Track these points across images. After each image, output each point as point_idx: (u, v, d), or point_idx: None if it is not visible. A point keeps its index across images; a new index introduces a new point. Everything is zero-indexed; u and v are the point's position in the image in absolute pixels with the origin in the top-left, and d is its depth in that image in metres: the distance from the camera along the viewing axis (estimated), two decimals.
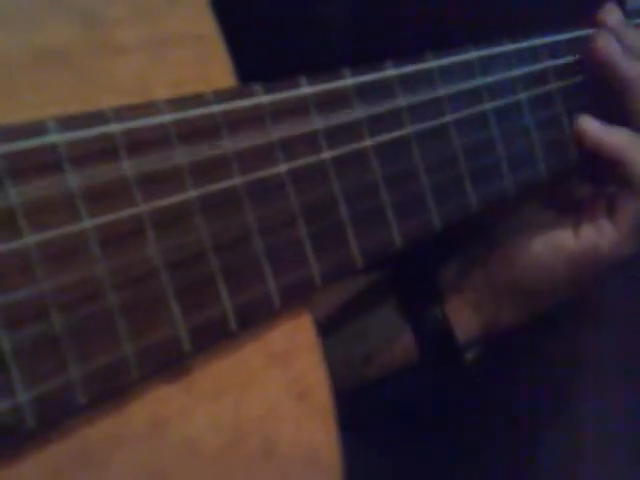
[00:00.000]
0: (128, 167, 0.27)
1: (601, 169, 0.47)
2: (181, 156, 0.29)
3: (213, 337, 0.28)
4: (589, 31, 0.51)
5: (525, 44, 0.48)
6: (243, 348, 0.30)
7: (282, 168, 0.33)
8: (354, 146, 0.36)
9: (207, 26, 0.33)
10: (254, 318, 0.30)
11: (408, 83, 0.39)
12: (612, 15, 0.50)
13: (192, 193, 0.29)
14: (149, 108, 0.29)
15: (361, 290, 0.50)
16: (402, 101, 0.39)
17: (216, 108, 0.31)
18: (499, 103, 0.45)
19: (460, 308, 0.48)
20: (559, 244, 0.47)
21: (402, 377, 0.49)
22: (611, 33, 0.48)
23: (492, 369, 0.53)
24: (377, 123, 0.37)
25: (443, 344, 0.48)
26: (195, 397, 0.29)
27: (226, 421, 0.29)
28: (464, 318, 0.48)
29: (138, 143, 0.28)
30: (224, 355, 0.30)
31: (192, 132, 0.30)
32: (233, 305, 0.29)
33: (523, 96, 0.46)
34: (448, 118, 0.41)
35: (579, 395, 0.59)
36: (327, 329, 0.49)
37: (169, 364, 0.27)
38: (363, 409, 0.50)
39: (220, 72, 0.33)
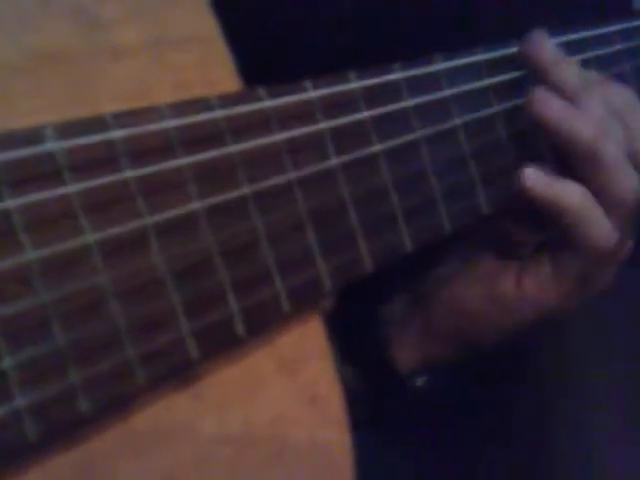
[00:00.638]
0: (130, 175, 0.27)
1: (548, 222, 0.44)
2: (185, 163, 0.29)
3: (221, 343, 0.28)
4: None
5: (498, 53, 0.46)
6: (252, 354, 0.30)
7: (290, 174, 0.32)
8: (363, 151, 0.36)
9: (208, 27, 0.33)
10: (263, 323, 0.29)
11: (415, 85, 0.39)
12: (543, 49, 0.44)
13: (197, 201, 0.29)
14: (151, 113, 0.28)
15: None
16: (409, 103, 0.38)
17: (220, 113, 0.30)
18: (506, 106, 0.44)
19: (401, 345, 0.46)
20: (500, 294, 0.45)
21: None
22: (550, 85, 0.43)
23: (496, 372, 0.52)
24: (385, 126, 0.37)
25: (384, 374, 0.46)
26: (204, 404, 0.28)
27: (236, 427, 0.28)
28: (405, 354, 0.46)
29: (140, 150, 0.27)
30: (233, 361, 0.29)
31: (196, 138, 0.30)
32: (240, 309, 0.28)
33: (497, 108, 0.45)
34: (457, 121, 0.40)
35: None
36: None
37: (176, 371, 0.27)
38: (384, 409, 0.49)
39: (224, 75, 0.33)
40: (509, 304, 0.45)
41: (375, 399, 0.47)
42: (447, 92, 0.41)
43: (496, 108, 0.43)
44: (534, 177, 0.42)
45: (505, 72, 0.45)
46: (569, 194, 0.42)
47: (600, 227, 0.42)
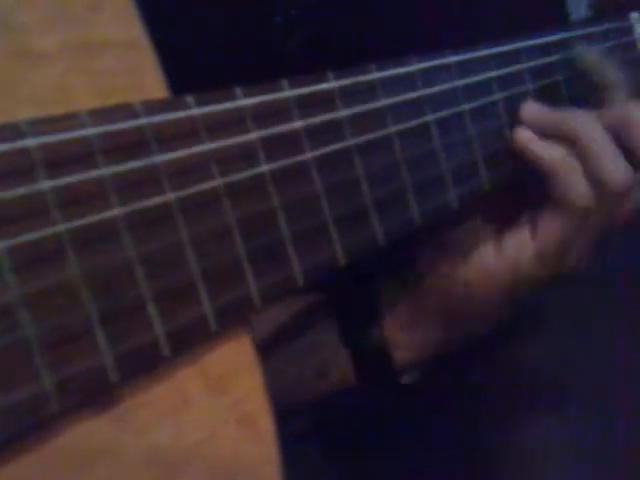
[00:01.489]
0: (47, 186, 0.25)
1: (531, 183, 0.46)
2: (106, 172, 0.27)
3: (144, 365, 0.26)
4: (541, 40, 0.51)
5: (470, 55, 0.47)
6: (178, 373, 0.28)
7: (218, 182, 0.31)
8: (294, 159, 0.35)
9: (134, 32, 0.31)
10: (189, 343, 0.28)
11: (349, 94, 0.38)
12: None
13: (117, 211, 0.27)
14: (70, 120, 0.27)
15: (306, 307, 0.49)
16: (343, 112, 0.38)
17: (145, 120, 0.29)
18: (442, 114, 0.44)
19: (395, 329, 0.47)
20: (481, 262, 0.46)
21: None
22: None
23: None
24: (317, 135, 0.36)
25: (381, 366, 0.47)
26: (126, 428, 0.27)
27: (163, 450, 0.27)
28: (399, 339, 0.47)
29: (58, 159, 0.26)
30: (158, 381, 0.28)
31: (119, 146, 0.28)
32: (166, 331, 0.27)
33: (466, 107, 0.46)
34: (390, 129, 0.40)
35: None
36: (278, 344, 0.48)
37: (94, 395, 0.25)
38: (325, 419, 0.48)
39: (150, 81, 0.32)
40: (491, 271, 0.45)
41: (363, 385, 0.47)
42: (381, 100, 0.40)
43: (429, 117, 0.43)
44: (526, 132, 0.46)
45: (439, 83, 0.45)
46: (553, 150, 0.45)
47: (579, 187, 0.44)
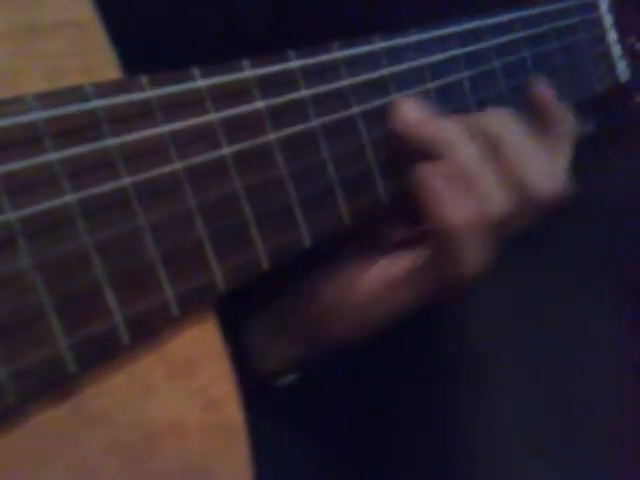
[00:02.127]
0: None
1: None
2: (56, 157, 0.26)
3: (103, 354, 0.26)
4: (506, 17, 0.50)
5: (432, 34, 0.47)
6: (141, 360, 0.28)
7: (176, 166, 0.30)
8: (256, 141, 0.34)
9: (85, 12, 0.30)
10: (150, 329, 0.27)
11: (312, 74, 0.37)
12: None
13: (70, 197, 0.26)
14: (16, 104, 0.26)
15: None
16: (305, 92, 0.37)
17: (97, 103, 0.28)
18: (407, 93, 0.43)
19: (263, 345, 0.43)
20: (355, 297, 0.41)
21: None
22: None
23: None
24: (280, 116, 0.35)
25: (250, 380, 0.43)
26: (87, 417, 0.26)
27: (125, 439, 0.26)
28: (269, 354, 0.43)
29: (2, 145, 0.25)
30: (119, 369, 0.27)
31: (69, 130, 0.27)
32: (125, 318, 0.26)
33: (431, 86, 0.45)
34: (355, 110, 0.39)
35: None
36: None
37: (52, 386, 0.24)
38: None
39: (102, 62, 0.31)
40: (355, 302, 0.41)
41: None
42: (345, 82, 0.40)
43: (394, 96, 0.42)
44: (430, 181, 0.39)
45: (404, 61, 0.44)
46: (456, 210, 0.38)
47: (472, 257, 0.39)
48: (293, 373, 0.45)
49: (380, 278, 0.41)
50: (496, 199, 0.39)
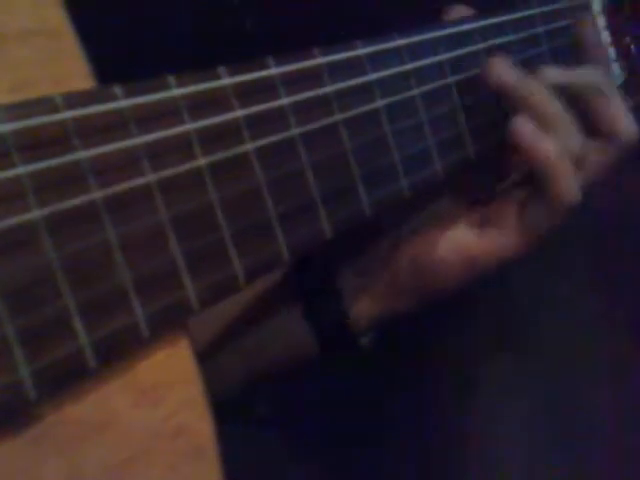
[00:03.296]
0: None
1: (517, 170, 0.48)
2: (23, 171, 0.25)
3: (66, 380, 0.24)
4: (496, 19, 0.50)
5: (419, 37, 0.46)
6: (106, 385, 0.27)
7: (149, 178, 0.29)
8: (233, 150, 0.33)
9: (56, 20, 0.29)
10: (118, 353, 0.26)
11: (291, 81, 0.36)
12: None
13: (37, 213, 0.25)
14: None
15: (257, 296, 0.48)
16: (285, 100, 0.36)
17: (67, 114, 0.27)
18: (392, 100, 0.42)
19: (358, 301, 0.48)
20: (462, 246, 0.47)
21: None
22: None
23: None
24: (259, 125, 0.34)
25: (338, 331, 0.48)
26: (46, 449, 0.25)
27: (87, 471, 0.25)
28: (361, 309, 0.48)
29: None
30: (83, 395, 0.26)
31: (37, 143, 0.26)
32: (91, 340, 0.25)
33: (416, 92, 0.44)
34: (337, 117, 0.38)
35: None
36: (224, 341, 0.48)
37: (11, 415, 0.23)
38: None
39: (74, 71, 0.30)
40: (468, 256, 0.46)
41: (322, 352, 0.48)
42: (328, 88, 0.39)
43: (379, 103, 0.41)
44: (524, 123, 0.45)
45: (390, 67, 0.43)
46: (551, 143, 0.45)
47: (569, 182, 0.44)
48: (370, 333, 0.49)
49: (492, 225, 0.46)
50: (577, 139, 0.45)
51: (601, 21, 0.60)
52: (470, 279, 0.47)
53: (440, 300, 0.48)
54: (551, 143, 0.45)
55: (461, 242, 0.47)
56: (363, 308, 0.48)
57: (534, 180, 0.46)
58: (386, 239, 0.49)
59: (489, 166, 0.49)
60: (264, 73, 0.35)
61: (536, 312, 0.63)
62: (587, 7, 0.59)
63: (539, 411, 0.60)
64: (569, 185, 0.45)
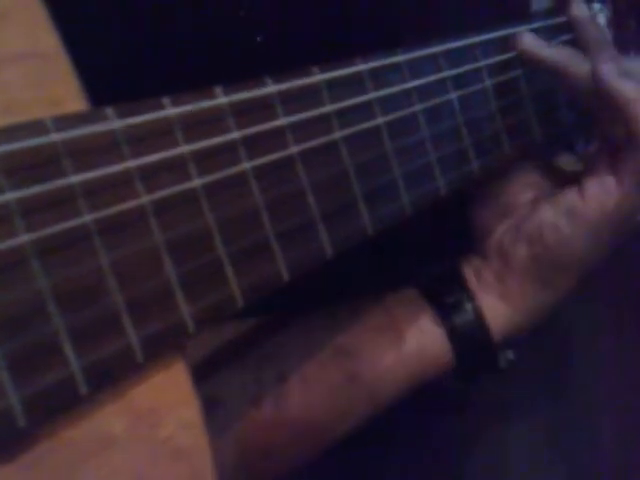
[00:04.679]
0: None
1: (604, 123, 0.47)
2: (11, 197, 0.25)
3: (57, 406, 0.24)
4: (497, 33, 0.49)
5: (422, 53, 0.45)
6: (102, 410, 0.26)
7: (143, 200, 0.29)
8: (229, 171, 0.33)
9: (48, 43, 0.29)
10: (111, 378, 0.26)
11: (290, 99, 0.36)
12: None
13: (25, 237, 0.25)
14: None
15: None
16: (283, 120, 0.35)
17: (57, 136, 0.27)
18: (393, 116, 0.42)
19: (488, 300, 0.46)
20: (569, 208, 0.46)
21: None
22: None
23: None
24: (256, 144, 0.34)
25: (479, 341, 0.46)
26: (42, 475, 0.24)
27: None
28: (494, 311, 0.46)
29: None
30: (78, 420, 0.25)
31: (26, 166, 0.26)
32: (82, 366, 0.25)
33: (418, 108, 0.44)
34: (336, 135, 0.38)
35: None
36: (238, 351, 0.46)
37: (3, 441, 0.23)
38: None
39: (66, 93, 0.29)
40: (579, 217, 0.45)
41: (462, 370, 0.46)
42: (327, 107, 0.38)
43: (380, 120, 0.41)
44: (607, 66, 0.46)
45: (391, 83, 0.43)
46: (629, 83, 0.45)
47: None
48: (510, 351, 0.47)
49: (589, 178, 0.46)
50: None
51: (607, 35, 0.59)
52: (591, 249, 0.46)
53: (577, 284, 0.46)
54: (631, 83, 0.45)
55: (566, 205, 0.46)
56: (494, 310, 0.46)
57: (623, 125, 0.45)
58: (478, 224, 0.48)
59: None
60: (262, 91, 0.35)
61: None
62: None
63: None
64: None
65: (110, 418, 0.26)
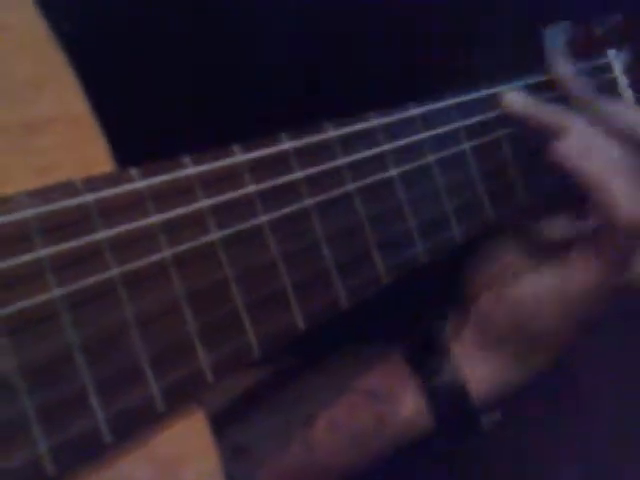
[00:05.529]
0: None
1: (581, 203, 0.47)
2: (44, 253, 0.27)
3: (83, 456, 0.25)
4: (503, 87, 0.50)
5: (434, 106, 0.47)
6: (125, 458, 0.27)
7: (165, 254, 0.31)
8: (247, 224, 0.34)
9: (78, 107, 0.31)
10: (133, 428, 0.27)
11: (304, 155, 0.38)
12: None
13: (56, 292, 0.26)
14: (7, 203, 0.26)
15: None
16: (299, 174, 0.37)
17: (87, 197, 0.29)
18: (406, 168, 0.43)
19: (465, 358, 0.46)
20: (552, 284, 0.45)
21: None
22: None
23: None
24: (271, 198, 0.36)
25: (457, 404, 0.46)
26: None
27: None
28: (471, 369, 0.46)
29: None
30: (102, 468, 0.26)
31: (59, 225, 0.28)
32: (107, 417, 0.26)
33: (432, 158, 0.45)
34: (350, 187, 0.40)
35: None
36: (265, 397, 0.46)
37: None
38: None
39: (96, 155, 0.31)
40: (558, 290, 0.45)
41: (444, 433, 0.46)
42: (340, 161, 0.40)
43: (392, 172, 0.42)
44: (568, 144, 0.45)
45: (403, 136, 0.44)
46: (597, 158, 0.44)
47: (622, 195, 0.43)
48: (493, 412, 0.46)
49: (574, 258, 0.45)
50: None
51: (623, 81, 0.60)
52: (568, 326, 0.45)
53: (555, 358, 0.46)
54: (601, 156, 0.44)
55: (550, 277, 0.45)
56: (473, 370, 0.46)
57: (595, 205, 0.44)
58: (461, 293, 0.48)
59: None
60: (277, 148, 0.37)
61: None
62: (608, 68, 0.60)
63: None
64: (621, 197, 0.43)
65: (134, 466, 0.27)
